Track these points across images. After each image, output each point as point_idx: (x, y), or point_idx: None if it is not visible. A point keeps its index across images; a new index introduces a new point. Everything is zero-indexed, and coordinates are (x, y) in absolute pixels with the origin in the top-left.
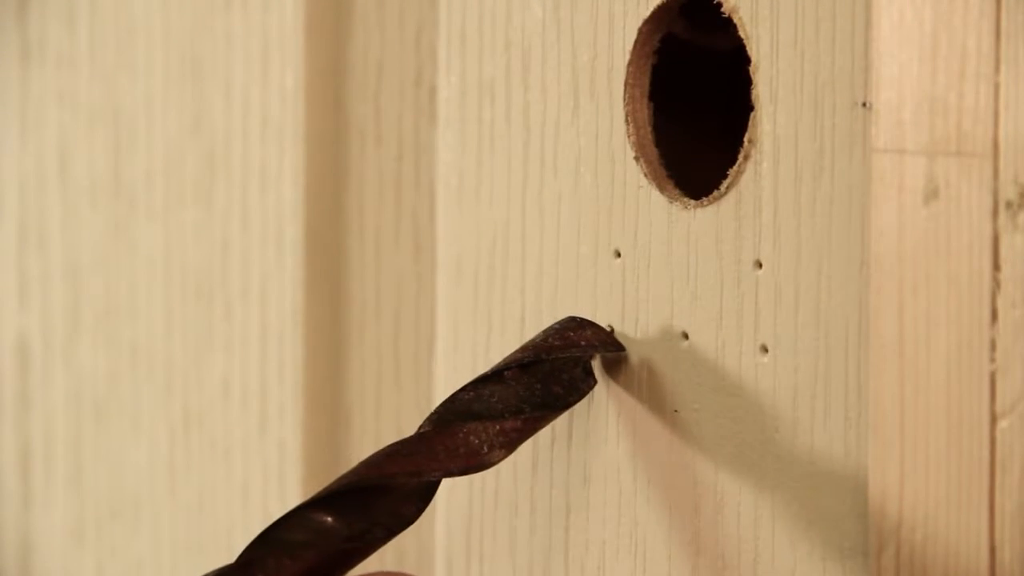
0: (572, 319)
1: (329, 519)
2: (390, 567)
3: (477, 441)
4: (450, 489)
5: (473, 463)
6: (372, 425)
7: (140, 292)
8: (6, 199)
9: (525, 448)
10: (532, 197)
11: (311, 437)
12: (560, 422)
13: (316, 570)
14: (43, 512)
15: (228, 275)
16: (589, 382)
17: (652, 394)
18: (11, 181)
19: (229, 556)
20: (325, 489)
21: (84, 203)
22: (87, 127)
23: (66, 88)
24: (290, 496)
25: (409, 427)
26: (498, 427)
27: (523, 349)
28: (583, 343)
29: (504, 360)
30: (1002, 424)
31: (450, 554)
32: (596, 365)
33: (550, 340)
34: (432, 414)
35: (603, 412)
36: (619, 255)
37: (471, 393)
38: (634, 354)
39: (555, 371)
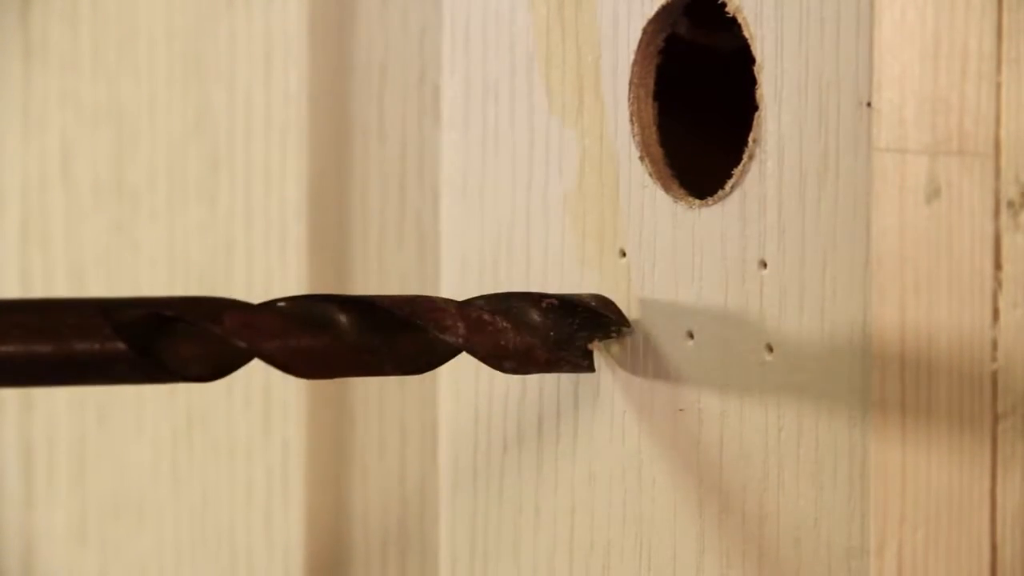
0: (599, 295)
1: (342, 317)
2: (392, 569)
3: (497, 332)
4: (454, 488)
5: (492, 352)
6: (376, 425)
7: (143, 292)
8: (9, 198)
9: (529, 447)
10: (536, 197)
11: (315, 437)
12: (565, 421)
13: (302, 354)
14: (45, 512)
15: (232, 275)
16: (591, 364)
17: (657, 393)
18: (14, 180)
19: (232, 556)
20: (355, 296)
21: (87, 203)
22: (90, 127)
23: (69, 88)
24: (293, 497)
25: (413, 429)
26: (518, 338)
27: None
28: (612, 315)
29: (540, 292)
30: (1004, 424)
31: (454, 554)
32: (598, 365)
33: (583, 296)
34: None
35: (607, 411)
36: (624, 255)
37: (507, 303)
38: (639, 353)
39: (573, 335)
